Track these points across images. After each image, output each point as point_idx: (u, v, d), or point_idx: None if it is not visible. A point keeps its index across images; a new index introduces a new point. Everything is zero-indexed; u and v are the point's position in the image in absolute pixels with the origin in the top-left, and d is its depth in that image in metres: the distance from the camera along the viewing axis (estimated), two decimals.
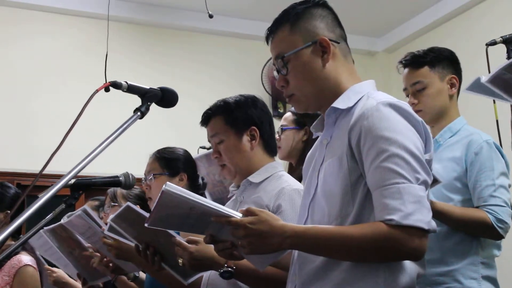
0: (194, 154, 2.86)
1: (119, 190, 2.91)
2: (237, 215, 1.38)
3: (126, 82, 1.50)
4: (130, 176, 1.99)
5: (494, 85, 1.63)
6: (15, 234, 2.76)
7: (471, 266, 2.09)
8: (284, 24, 1.54)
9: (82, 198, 2.80)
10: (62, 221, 2.41)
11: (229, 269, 1.71)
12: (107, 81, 1.47)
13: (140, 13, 5.51)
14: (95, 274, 2.64)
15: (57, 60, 5.17)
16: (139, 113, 1.49)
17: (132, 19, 5.50)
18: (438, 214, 1.96)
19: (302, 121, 2.71)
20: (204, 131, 2.09)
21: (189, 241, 1.77)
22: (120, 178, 1.97)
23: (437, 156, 2.09)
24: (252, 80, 5.79)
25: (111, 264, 2.39)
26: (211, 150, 2.13)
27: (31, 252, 2.99)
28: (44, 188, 1.29)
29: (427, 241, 1.31)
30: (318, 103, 1.55)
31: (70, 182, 1.42)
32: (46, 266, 3.01)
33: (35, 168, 2.72)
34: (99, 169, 2.96)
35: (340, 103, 1.48)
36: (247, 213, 1.37)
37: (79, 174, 1.34)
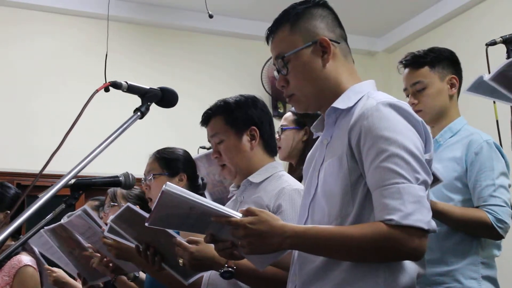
0: (194, 154, 2.86)
1: (119, 190, 2.91)
2: (237, 215, 1.38)
3: (126, 82, 1.50)
4: (130, 176, 1.99)
5: (497, 83, 1.63)
6: (15, 234, 2.76)
7: (471, 266, 2.09)
8: (284, 24, 1.54)
9: (82, 198, 2.80)
10: (62, 221, 2.41)
11: (230, 269, 1.71)
12: (107, 81, 1.47)
13: (140, 13, 5.51)
14: (95, 274, 2.64)
15: (57, 60, 5.17)
16: (139, 113, 1.49)
17: (132, 19, 5.50)
18: (438, 214, 1.97)
19: (302, 121, 2.71)
20: (204, 131, 2.09)
21: (189, 241, 1.77)
22: (120, 178, 1.97)
23: (437, 156, 2.09)
24: (252, 80, 5.79)
25: (111, 264, 2.39)
26: (211, 150, 2.13)
27: (31, 252, 2.99)
28: (44, 188, 1.29)
29: (427, 241, 1.31)
30: (318, 103, 1.55)
31: (70, 182, 1.42)
32: (46, 266, 3.01)
33: (35, 168, 2.72)
34: (99, 169, 2.96)
35: (340, 103, 1.48)
36: (247, 213, 1.37)
37: (79, 174, 1.34)
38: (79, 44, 5.29)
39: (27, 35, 5.14)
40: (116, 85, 1.48)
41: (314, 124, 1.63)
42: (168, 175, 2.47)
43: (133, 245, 2.02)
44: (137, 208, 1.94)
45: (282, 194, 1.85)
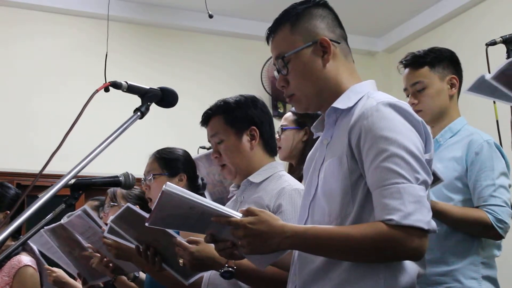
0: (194, 154, 2.86)
1: (118, 190, 2.91)
2: (237, 215, 1.38)
3: (126, 82, 1.50)
4: (130, 176, 1.99)
5: (499, 82, 1.63)
6: (15, 234, 2.76)
7: (471, 266, 2.09)
8: (284, 24, 1.54)
9: (82, 198, 2.80)
10: (62, 221, 2.41)
11: (230, 269, 1.71)
12: (107, 81, 1.47)
13: (140, 13, 5.51)
14: (95, 274, 2.64)
15: (57, 60, 5.17)
16: (139, 113, 1.49)
17: (132, 19, 5.50)
18: (438, 214, 1.97)
19: (302, 121, 2.70)
20: (204, 131, 2.09)
21: (189, 241, 1.77)
22: (120, 178, 1.97)
23: (437, 156, 2.09)
24: (252, 80, 5.79)
25: (111, 264, 2.39)
26: (211, 150, 2.13)
27: (31, 252, 2.99)
28: (44, 188, 1.29)
29: (427, 241, 1.31)
30: (318, 103, 1.55)
31: (70, 182, 1.42)
32: (46, 266, 3.01)
33: (35, 168, 2.72)
34: (99, 169, 2.96)
35: (340, 103, 1.48)
36: (247, 213, 1.37)
37: (79, 174, 1.34)
38: (79, 44, 5.29)
39: (27, 35, 5.14)
40: (116, 85, 1.48)
41: (314, 124, 1.63)
42: (168, 175, 2.47)
43: (133, 246, 2.02)
44: (137, 208, 1.94)
45: (282, 194, 1.85)
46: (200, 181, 2.59)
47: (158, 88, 1.56)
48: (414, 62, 2.28)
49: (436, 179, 1.92)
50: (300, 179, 2.27)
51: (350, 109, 1.46)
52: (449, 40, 5.28)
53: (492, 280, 2.12)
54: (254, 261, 1.53)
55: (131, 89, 1.51)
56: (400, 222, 1.26)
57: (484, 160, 2.12)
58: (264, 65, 5.81)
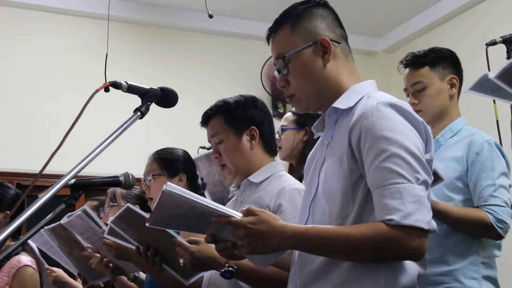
0: (194, 154, 2.86)
1: (118, 190, 2.91)
2: (238, 215, 1.38)
3: (126, 82, 1.50)
4: (130, 176, 1.99)
5: (502, 81, 1.63)
6: (15, 234, 2.76)
7: (471, 266, 2.09)
8: (284, 24, 1.54)
9: (82, 198, 2.80)
10: (62, 221, 2.41)
11: (230, 268, 1.71)
12: (107, 81, 1.47)
13: (140, 13, 5.51)
14: (95, 274, 2.64)
15: (57, 60, 5.17)
16: (139, 113, 1.49)
17: (132, 19, 5.50)
18: (438, 214, 1.97)
19: (302, 121, 2.70)
20: (204, 131, 2.09)
21: (189, 241, 1.77)
22: (120, 178, 1.97)
23: (438, 155, 2.09)
24: (252, 80, 5.79)
25: (111, 264, 2.39)
26: (211, 150, 2.13)
27: (31, 252, 2.99)
28: (44, 188, 1.29)
29: (427, 241, 1.30)
30: (319, 103, 1.54)
31: (70, 182, 1.42)
32: (46, 265, 3.01)
33: (35, 168, 2.72)
34: (99, 169, 2.96)
35: (340, 103, 1.48)
36: (247, 213, 1.37)
37: (79, 174, 1.34)
38: (79, 44, 5.29)
39: (27, 35, 5.14)
40: (116, 85, 1.48)
41: (314, 124, 1.63)
42: (167, 176, 2.47)
43: (133, 247, 2.02)
44: (137, 209, 1.94)
45: (283, 193, 1.85)
46: (200, 181, 2.59)
47: (158, 88, 1.55)
48: (415, 62, 2.28)
49: (437, 178, 1.92)
50: (300, 179, 2.27)
51: (350, 109, 1.46)
52: (449, 40, 5.28)
53: (492, 280, 2.12)
54: (254, 261, 1.53)
55: (131, 89, 1.51)
56: (400, 222, 1.26)
57: (485, 160, 2.12)
58: (264, 65, 5.81)
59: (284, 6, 1.60)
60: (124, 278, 2.56)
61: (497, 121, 2.31)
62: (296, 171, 2.65)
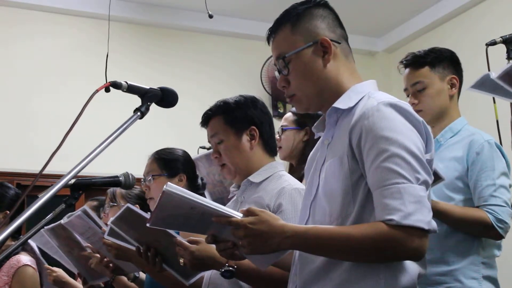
0: (194, 154, 2.86)
1: (118, 190, 2.91)
2: (238, 215, 1.38)
3: (126, 82, 1.50)
4: (130, 176, 1.99)
5: (504, 81, 1.64)
6: (15, 234, 2.76)
7: (472, 266, 2.09)
8: (285, 24, 1.54)
9: (82, 198, 2.80)
10: (62, 221, 2.41)
11: (230, 268, 1.71)
12: (107, 81, 1.47)
13: (140, 13, 5.51)
14: (94, 274, 2.64)
15: (57, 60, 5.17)
16: (139, 113, 1.49)
17: (132, 19, 5.50)
18: (438, 214, 1.97)
19: (302, 122, 2.71)
20: (204, 131, 2.09)
21: (190, 241, 1.77)
22: (120, 178, 1.97)
23: (438, 155, 2.09)
24: (252, 80, 5.79)
25: (111, 265, 2.39)
26: (211, 150, 2.13)
27: (31, 252, 2.98)
28: (44, 188, 1.29)
29: (428, 241, 1.30)
30: (319, 103, 1.54)
31: (70, 182, 1.42)
32: (46, 265, 3.01)
33: (35, 168, 2.71)
34: (99, 169, 2.95)
35: (341, 103, 1.48)
36: (247, 213, 1.37)
37: (79, 174, 1.34)
38: (79, 44, 5.29)
39: (27, 35, 5.14)
40: (116, 85, 1.48)
41: (315, 124, 1.63)
42: (167, 176, 2.47)
43: (133, 248, 2.02)
44: (137, 209, 1.94)
45: (283, 193, 1.85)
46: (199, 181, 2.59)
47: (158, 88, 1.55)
48: (415, 62, 2.29)
49: (437, 178, 1.92)
50: (300, 179, 2.27)
51: (351, 109, 1.46)
52: (449, 40, 5.28)
53: (493, 280, 2.12)
54: (255, 261, 1.53)
55: (131, 89, 1.51)
56: (401, 222, 1.26)
57: (485, 160, 2.12)
58: (264, 65, 5.80)
59: (284, 6, 1.60)
60: (124, 278, 2.56)
61: (497, 121, 2.31)
62: (296, 171, 2.65)
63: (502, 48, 2.17)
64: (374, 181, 1.33)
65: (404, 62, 2.32)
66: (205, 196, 2.57)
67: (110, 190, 2.94)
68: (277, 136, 2.53)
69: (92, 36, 5.25)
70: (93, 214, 2.34)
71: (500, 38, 2.16)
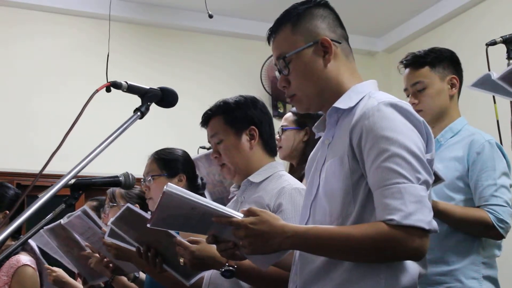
0: (194, 154, 2.86)
1: (117, 190, 2.90)
2: (238, 215, 1.38)
3: (126, 82, 1.50)
4: (130, 176, 1.99)
5: (505, 82, 1.64)
6: (15, 234, 2.76)
7: (472, 266, 2.09)
8: (285, 24, 1.54)
9: (82, 198, 2.80)
10: (62, 221, 2.41)
11: (230, 268, 1.71)
12: (108, 81, 1.47)
13: (140, 13, 5.51)
14: (94, 274, 2.64)
15: (57, 60, 5.17)
16: (139, 113, 1.49)
17: (132, 19, 5.50)
18: (439, 214, 1.97)
19: (302, 122, 2.71)
20: (204, 131, 2.09)
21: (190, 241, 1.77)
22: (120, 178, 1.97)
23: (438, 155, 2.09)
24: (252, 80, 5.78)
25: (111, 265, 2.39)
26: (211, 150, 2.13)
27: (31, 252, 2.98)
28: (44, 188, 1.29)
29: (428, 241, 1.30)
30: (319, 103, 1.54)
31: (70, 182, 1.42)
32: (46, 265, 3.01)
33: (35, 168, 2.71)
34: (99, 169, 2.95)
35: (341, 103, 1.48)
36: (248, 213, 1.37)
37: (79, 174, 1.33)
38: (79, 44, 5.29)
39: (27, 35, 5.13)
40: (116, 85, 1.48)
41: (315, 124, 1.63)
42: (167, 176, 2.46)
43: (133, 248, 2.01)
44: (137, 208, 1.94)
45: (283, 193, 1.85)
46: (199, 181, 2.59)
47: (158, 88, 1.55)
48: (415, 62, 2.28)
49: (437, 179, 1.92)
50: (300, 179, 2.27)
51: (351, 109, 1.46)
52: (449, 40, 5.27)
53: (493, 280, 2.12)
54: (255, 261, 1.53)
55: (131, 89, 1.51)
56: (401, 222, 1.26)
57: (486, 160, 2.12)
58: (264, 64, 5.80)
59: (284, 6, 1.60)
60: (124, 278, 2.56)
61: (498, 121, 2.31)
62: (297, 171, 2.65)
63: (502, 48, 2.17)
64: (375, 181, 1.33)
65: (404, 62, 2.32)
66: (205, 196, 2.57)
67: (110, 190, 2.94)
68: (277, 136, 2.53)
69: (92, 36, 5.25)
70: (93, 214, 2.34)
71: (500, 38, 2.16)
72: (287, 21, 1.54)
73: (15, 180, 4.66)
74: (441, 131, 2.25)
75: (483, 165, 2.11)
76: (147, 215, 1.88)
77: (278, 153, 2.36)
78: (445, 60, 2.29)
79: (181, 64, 5.62)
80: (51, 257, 2.86)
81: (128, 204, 1.96)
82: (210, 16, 3.81)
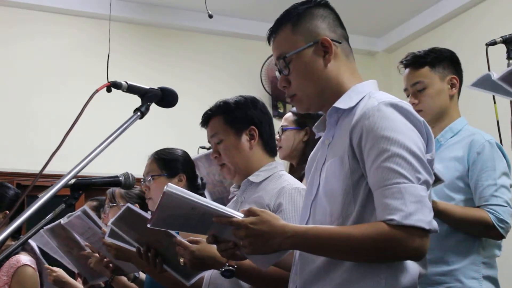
0: (194, 154, 2.86)
1: (117, 190, 2.90)
2: (239, 215, 1.38)
3: (126, 82, 1.50)
4: (130, 176, 1.99)
5: (505, 82, 1.64)
6: (15, 234, 2.76)
7: (472, 266, 2.09)
8: (285, 24, 1.54)
9: (82, 198, 2.80)
10: (61, 221, 2.41)
11: (231, 267, 1.71)
12: (108, 81, 1.47)
13: (140, 13, 5.51)
14: (94, 274, 2.64)
15: (57, 60, 5.17)
16: (139, 113, 1.49)
17: (132, 19, 5.50)
18: (439, 214, 1.97)
19: (302, 122, 2.71)
20: (204, 131, 2.09)
21: (190, 241, 1.77)
22: (120, 178, 1.97)
23: (438, 156, 2.09)
24: (252, 80, 5.78)
25: (111, 265, 2.39)
26: (211, 150, 2.13)
27: (31, 252, 2.98)
28: (44, 188, 1.29)
29: (428, 241, 1.30)
30: (320, 103, 1.54)
31: (70, 182, 1.42)
32: (46, 265, 3.01)
33: (35, 168, 2.71)
34: (99, 169, 2.95)
35: (341, 103, 1.48)
36: (248, 213, 1.37)
37: (79, 174, 1.33)
38: (79, 44, 5.29)
39: (27, 35, 5.13)
40: (116, 85, 1.47)
41: (316, 124, 1.63)
42: (167, 176, 2.46)
43: (134, 249, 2.01)
44: (137, 208, 1.94)
45: (283, 193, 1.85)
46: (199, 181, 2.59)
47: (158, 88, 1.55)
48: (415, 62, 2.28)
49: (437, 180, 1.92)
50: (300, 179, 2.27)
51: (351, 109, 1.46)
52: (449, 40, 5.27)
53: (493, 280, 2.12)
54: (256, 261, 1.53)
55: (131, 89, 1.51)
56: (401, 222, 1.26)
57: (486, 160, 2.12)
58: (264, 64, 5.80)
59: (284, 6, 1.60)
60: (123, 278, 2.56)
61: (498, 121, 2.31)
62: (297, 171, 2.65)
63: (502, 48, 2.17)
64: (375, 181, 1.33)
65: (404, 62, 2.32)
66: (205, 196, 2.57)
67: (109, 190, 2.94)
68: (277, 136, 2.53)
69: (92, 36, 5.25)
70: (93, 214, 2.34)
71: (500, 38, 2.16)
72: (287, 21, 1.54)
73: (15, 180, 4.66)
74: (441, 131, 2.26)
75: (483, 165, 2.11)
76: (147, 215, 1.88)
77: (278, 153, 2.36)
78: (445, 60, 2.29)
79: (181, 64, 5.62)
80: (51, 257, 2.86)
81: (128, 204, 1.96)
82: (210, 16, 3.81)
